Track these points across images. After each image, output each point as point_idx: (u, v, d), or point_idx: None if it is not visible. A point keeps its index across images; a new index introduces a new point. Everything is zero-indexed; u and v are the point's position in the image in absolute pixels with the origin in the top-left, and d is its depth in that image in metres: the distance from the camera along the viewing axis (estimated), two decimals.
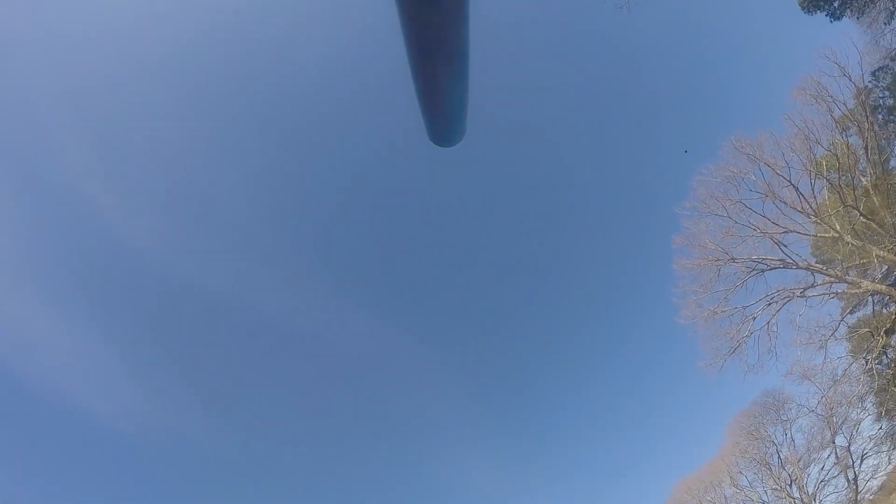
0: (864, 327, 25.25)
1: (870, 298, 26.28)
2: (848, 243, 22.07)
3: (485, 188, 60.50)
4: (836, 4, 26.63)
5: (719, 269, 22.48)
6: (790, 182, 21.04)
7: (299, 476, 60.08)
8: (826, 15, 26.64)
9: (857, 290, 22.82)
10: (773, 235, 21.79)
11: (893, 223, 22.46)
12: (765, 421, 28.02)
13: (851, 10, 25.85)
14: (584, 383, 61.32)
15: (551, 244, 60.23)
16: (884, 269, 24.06)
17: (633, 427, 59.05)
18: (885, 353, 25.76)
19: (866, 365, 24.89)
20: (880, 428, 26.49)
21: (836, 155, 21.92)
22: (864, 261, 22.69)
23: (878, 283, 23.17)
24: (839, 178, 22.32)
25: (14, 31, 38.46)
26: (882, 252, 21.90)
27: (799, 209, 21.72)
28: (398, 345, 66.32)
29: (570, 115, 56.50)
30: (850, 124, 22.34)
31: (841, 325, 24.91)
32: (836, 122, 21.71)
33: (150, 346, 54.51)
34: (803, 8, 23.01)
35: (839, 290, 23.06)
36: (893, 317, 24.43)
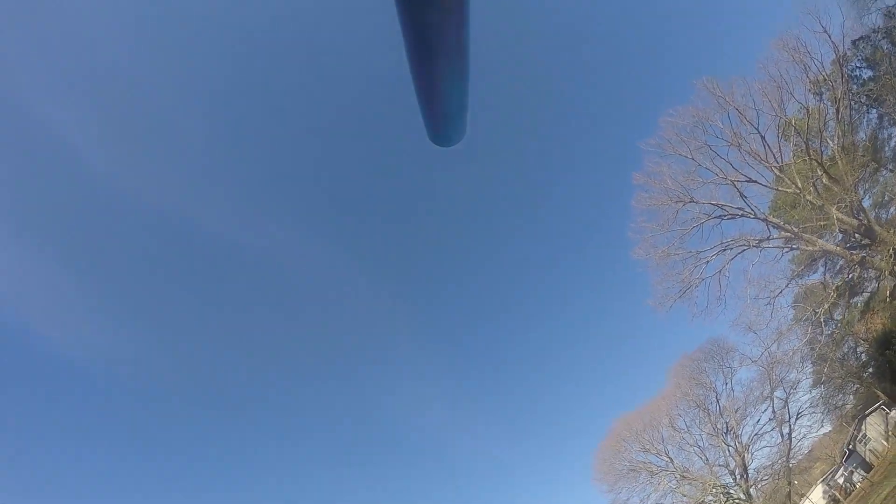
0: (811, 294, 26.36)
1: (820, 266, 27.38)
2: (808, 201, 23.12)
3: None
4: None
5: (677, 211, 23.48)
6: (758, 130, 22.03)
7: (250, 401, 62.67)
8: None
9: (811, 248, 23.88)
10: (735, 182, 22.85)
11: (854, 189, 23.45)
12: (707, 368, 29.22)
13: None
14: (533, 314, 63.48)
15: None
16: (838, 237, 25.16)
17: (579, 361, 60.93)
18: (828, 321, 26.88)
19: (808, 332, 26.06)
20: (817, 395, 27.68)
21: (807, 116, 22.90)
22: (822, 223, 23.72)
23: (833, 244, 24.28)
24: (806, 138, 23.32)
25: None
26: (841, 215, 22.97)
27: (763, 160, 22.71)
28: (360, 283, 68.28)
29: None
30: (823, 89, 23.26)
31: (790, 286, 26.10)
32: (810, 82, 22.66)
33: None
34: None
35: (794, 247, 24.14)
36: (837, 287, 25.55)
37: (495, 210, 64.15)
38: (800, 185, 23.06)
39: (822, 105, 23.21)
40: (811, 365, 26.96)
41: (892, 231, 23.39)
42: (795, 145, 23.33)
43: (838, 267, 25.82)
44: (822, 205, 23.17)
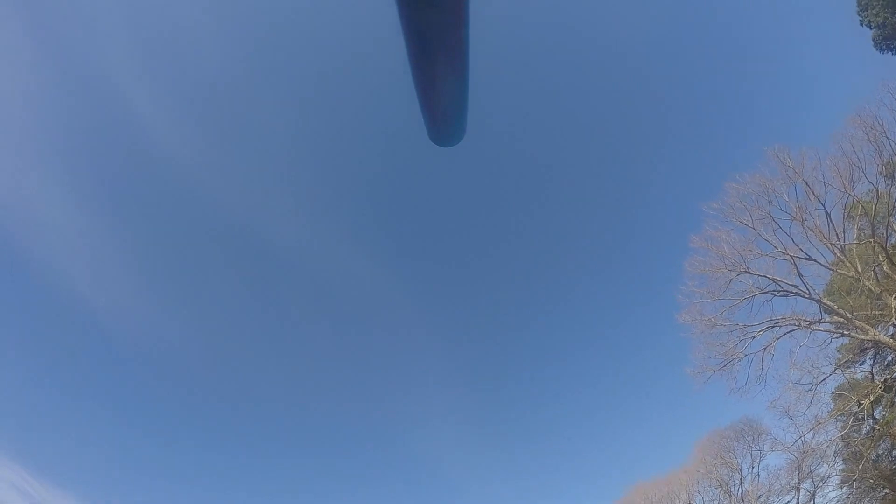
0: (855, 387, 24.84)
1: (868, 358, 25.89)
2: (867, 287, 21.81)
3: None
4: None
5: (730, 280, 22.22)
6: (823, 207, 20.88)
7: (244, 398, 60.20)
8: None
9: (863, 337, 22.45)
10: (794, 258, 21.57)
11: None
12: (736, 447, 27.44)
13: None
14: (569, 369, 60.97)
15: (550, 234, 60.41)
16: (892, 329, 23.74)
17: (604, 417, 57.97)
18: (867, 418, 25.32)
19: (846, 426, 24.45)
20: (846, 494, 25.84)
21: (876, 198, 21.79)
22: (878, 313, 22.39)
23: (888, 335, 22.84)
24: (873, 222, 22.16)
25: None
26: None
27: (825, 239, 21.49)
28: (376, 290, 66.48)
29: (579, 114, 56.72)
30: (894, 174, 22.24)
31: (835, 374, 24.56)
32: (883, 164, 21.60)
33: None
34: (876, 45, 23.06)
35: (845, 333, 22.71)
36: (884, 382, 24.03)
37: (534, 263, 62.51)
38: (859, 269, 21.78)
39: (892, 189, 22.14)
40: (843, 462, 25.21)
41: None
42: (860, 228, 22.16)
43: (887, 361, 24.34)
44: (881, 293, 21.89)
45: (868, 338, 22.56)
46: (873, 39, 23.45)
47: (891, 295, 21.57)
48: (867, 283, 21.74)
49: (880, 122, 21.09)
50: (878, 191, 21.76)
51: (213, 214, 57.33)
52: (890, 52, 23.51)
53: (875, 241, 21.67)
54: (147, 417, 57.05)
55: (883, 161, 21.62)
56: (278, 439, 62.78)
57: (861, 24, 23.49)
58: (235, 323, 62.24)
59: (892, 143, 21.43)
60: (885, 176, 21.99)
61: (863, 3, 23.31)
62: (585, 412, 60.45)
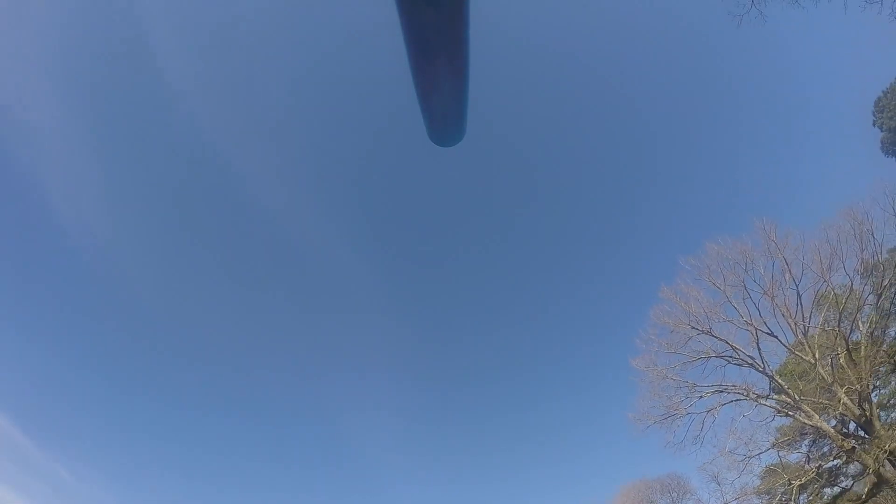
0: (786, 469, 25.18)
1: (805, 445, 26.26)
2: (820, 375, 22.17)
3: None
4: None
5: (690, 337, 22.54)
6: (797, 288, 21.24)
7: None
8: None
9: (806, 422, 22.80)
10: (757, 331, 21.91)
11: (867, 380, 22.53)
12: (659, 500, 27.68)
13: None
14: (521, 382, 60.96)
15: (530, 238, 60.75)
16: (834, 422, 24.10)
17: (548, 441, 57.78)
18: (790, 502, 25.65)
19: None
20: None
21: (850, 292, 22.14)
22: (826, 402, 22.73)
23: (830, 425, 23.20)
24: (840, 314, 22.50)
25: None
26: (846, 399, 21.97)
27: (791, 319, 21.86)
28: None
29: (572, 119, 57.21)
30: (873, 272, 22.60)
31: (769, 452, 24.91)
32: (862, 261, 21.97)
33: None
34: (884, 148, 23.44)
35: (789, 413, 23.07)
36: (815, 469, 24.39)
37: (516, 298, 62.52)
38: (817, 355, 22.15)
39: (865, 287, 22.52)
40: None
41: (891, 431, 22.41)
42: (826, 317, 22.51)
43: (823, 451, 24.71)
44: (832, 383, 22.26)
45: (811, 423, 22.90)
46: (882, 141, 23.84)
47: (841, 387, 21.90)
48: (821, 371, 22.10)
49: (869, 220, 21.49)
50: (852, 285, 22.16)
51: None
52: (895, 157, 23.90)
53: (839, 333, 22.03)
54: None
55: (863, 258, 22.01)
56: (204, 409, 62.08)
57: (874, 125, 23.93)
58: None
59: (876, 243, 21.84)
60: (862, 273, 22.37)
61: (880, 105, 23.71)
62: (532, 427, 60.76)
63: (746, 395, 22.90)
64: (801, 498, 25.76)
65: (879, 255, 22.00)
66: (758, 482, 24.26)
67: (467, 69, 0.90)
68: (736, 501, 24.50)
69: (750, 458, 23.85)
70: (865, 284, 22.48)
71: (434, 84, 0.93)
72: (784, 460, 24.95)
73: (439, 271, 63.88)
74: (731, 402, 22.94)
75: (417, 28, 0.79)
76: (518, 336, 63.28)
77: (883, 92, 24.09)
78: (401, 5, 0.74)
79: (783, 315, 22.08)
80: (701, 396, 22.97)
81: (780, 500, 24.51)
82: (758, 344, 22.18)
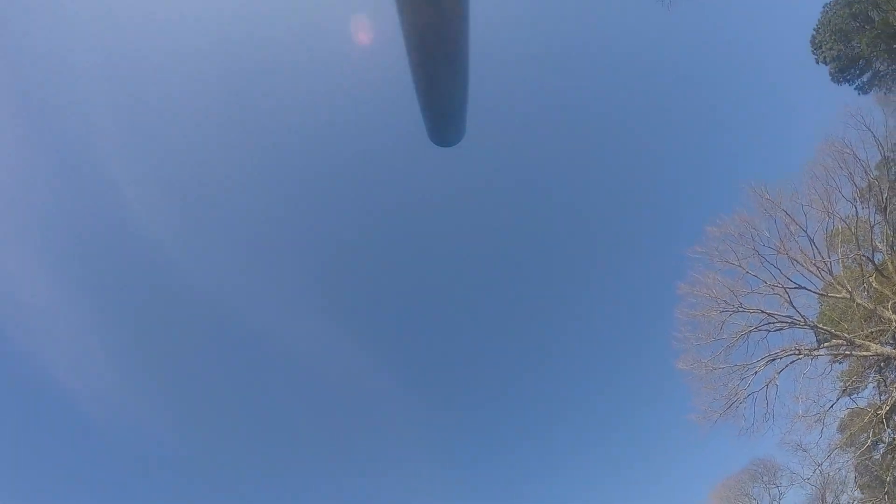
0: (858, 415, 24.39)
1: (871, 379, 25.53)
2: (860, 305, 21.55)
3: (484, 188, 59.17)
4: (864, 79, 27.18)
5: (723, 322, 21.81)
6: (806, 233, 20.69)
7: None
8: (854, 88, 27.15)
9: (866, 353, 22.11)
10: (785, 289, 21.25)
11: None
12: (753, 490, 26.61)
13: (879, 86, 26.26)
14: (560, 420, 57.35)
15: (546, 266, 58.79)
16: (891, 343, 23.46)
17: (609, 478, 54.48)
18: (877, 444, 24.82)
19: (860, 454, 23.93)
20: None
21: (856, 222, 21.67)
22: (876, 329, 22.13)
23: (888, 348, 22.52)
24: (857, 241, 22.02)
25: None
26: (894, 315, 21.38)
27: (812, 265, 21.27)
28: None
29: (573, 119, 56.21)
30: (869, 194, 22.24)
31: (840, 400, 24.10)
32: (856, 187, 21.58)
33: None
34: (833, 78, 23.35)
35: (847, 353, 22.35)
36: (883, 406, 23.64)
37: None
38: (850, 288, 21.55)
39: (869, 208, 22.11)
40: (862, 490, 24.60)
41: None
42: (843, 253, 22.00)
43: (890, 379, 23.94)
44: (875, 308, 21.65)
45: (871, 353, 22.24)
46: (830, 74, 23.83)
47: (885, 307, 21.33)
48: (859, 301, 21.50)
49: (849, 145, 21.13)
50: (857, 211, 21.69)
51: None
52: (847, 83, 23.88)
53: (861, 259, 21.54)
54: None
55: (856, 183, 21.63)
56: None
57: (817, 63, 23.96)
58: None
59: (863, 164, 21.46)
60: (861, 197, 21.97)
61: (816, 41, 23.75)
62: (589, 480, 56.65)
63: (798, 354, 22.18)
64: (884, 435, 24.96)
65: (870, 175, 21.64)
66: (840, 435, 23.35)
67: (467, 69, 0.89)
68: (827, 460, 23.55)
69: (824, 413, 23.05)
70: (868, 206, 22.07)
71: (434, 84, 0.92)
72: (856, 406, 24.16)
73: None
74: (786, 367, 22.19)
75: (417, 28, 0.78)
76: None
77: (814, 30, 24.21)
78: (401, 5, 0.74)
79: (803, 265, 21.51)
80: (756, 372, 22.19)
81: (868, 441, 23.66)
82: (790, 301, 21.55)
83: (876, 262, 22.38)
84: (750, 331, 21.68)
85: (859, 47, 25.03)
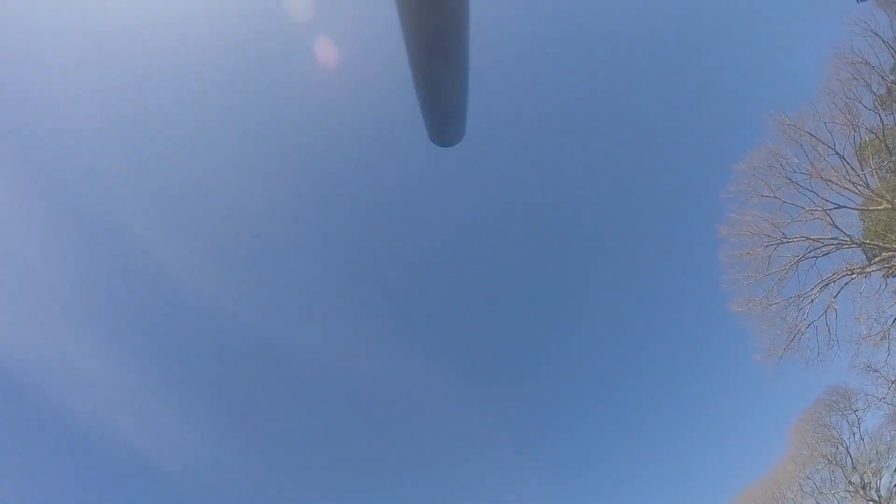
0: None
1: None
2: None
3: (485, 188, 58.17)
4: None
5: (770, 256, 21.44)
6: (836, 152, 20.26)
7: None
8: None
9: None
10: (826, 212, 20.85)
11: None
12: (831, 419, 26.12)
13: None
14: (622, 385, 56.25)
15: (564, 241, 57.57)
16: None
17: (682, 432, 53.04)
18: None
19: None
20: None
21: (882, 131, 21.24)
22: None
23: None
24: (889, 148, 21.57)
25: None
26: None
27: (848, 184, 20.85)
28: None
29: (577, 113, 55.13)
30: (889, 101, 21.78)
31: None
32: (877, 98, 21.14)
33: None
34: None
35: None
36: None
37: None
38: (890, 198, 21.09)
39: (893, 114, 21.64)
40: None
41: None
42: (876, 164, 21.56)
43: None
44: None
45: None
46: None
47: None
48: None
49: (860, 54, 20.68)
50: (881, 119, 21.23)
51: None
52: None
53: (894, 164, 21.10)
54: None
55: (874, 91, 21.17)
56: None
57: None
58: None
59: (878, 70, 21.00)
60: (883, 104, 21.51)
61: None
62: (662, 434, 55.42)
63: (851, 274, 21.77)
64: None
65: (887, 80, 21.17)
66: None
67: (467, 69, 0.89)
68: None
69: (888, 329, 22.61)
70: (891, 111, 21.61)
71: (434, 84, 0.91)
72: None
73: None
74: (841, 290, 21.79)
75: (417, 28, 0.77)
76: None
77: None
78: (401, 5, 0.74)
79: (838, 184, 21.07)
80: (812, 301, 21.79)
81: None
82: (833, 223, 21.13)
83: None
84: (798, 260, 21.29)
85: None
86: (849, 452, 25.74)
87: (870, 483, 25.12)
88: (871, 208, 21.65)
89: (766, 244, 20.99)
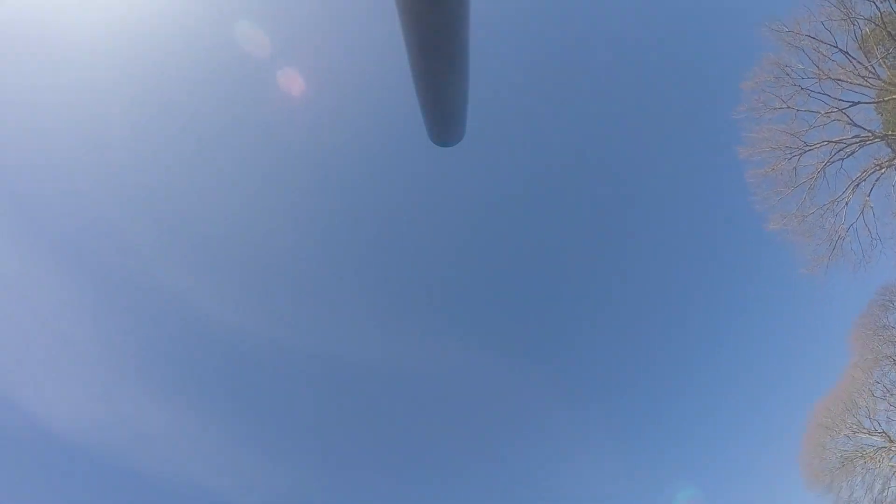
0: None
1: None
2: None
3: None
4: None
5: (795, 166, 21.11)
6: (838, 48, 19.94)
7: None
8: None
9: None
10: (840, 111, 20.52)
11: None
12: (889, 319, 25.66)
13: None
14: (675, 329, 54.81)
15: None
16: None
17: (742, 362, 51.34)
18: None
19: None
20: None
21: (881, 24, 20.87)
22: None
23: None
24: (893, 43, 21.19)
25: None
26: None
27: (858, 80, 20.50)
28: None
29: (577, 112, 54.67)
30: None
31: None
32: None
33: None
34: None
35: None
36: None
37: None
38: None
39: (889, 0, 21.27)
40: None
41: None
42: (881, 54, 21.18)
43: None
44: None
45: None
46: None
47: None
48: None
49: None
50: (877, 7, 20.86)
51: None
52: None
53: None
54: None
55: None
56: None
57: None
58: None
59: None
60: None
61: None
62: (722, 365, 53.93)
63: (880, 168, 21.39)
64: None
65: None
66: None
67: (467, 69, 0.89)
68: None
69: None
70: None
71: (434, 84, 0.91)
72: None
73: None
74: (873, 187, 21.43)
75: (417, 28, 0.76)
76: None
77: None
78: (401, 5, 0.73)
79: (848, 81, 20.74)
80: (846, 203, 21.44)
81: None
82: (851, 121, 20.79)
83: None
84: (824, 165, 20.94)
85: None
86: None
87: None
88: (886, 99, 21.27)
89: (788, 156, 20.68)
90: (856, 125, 20.87)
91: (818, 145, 20.74)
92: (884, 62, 21.31)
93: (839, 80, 20.67)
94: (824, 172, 21.11)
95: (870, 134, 20.99)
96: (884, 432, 25.85)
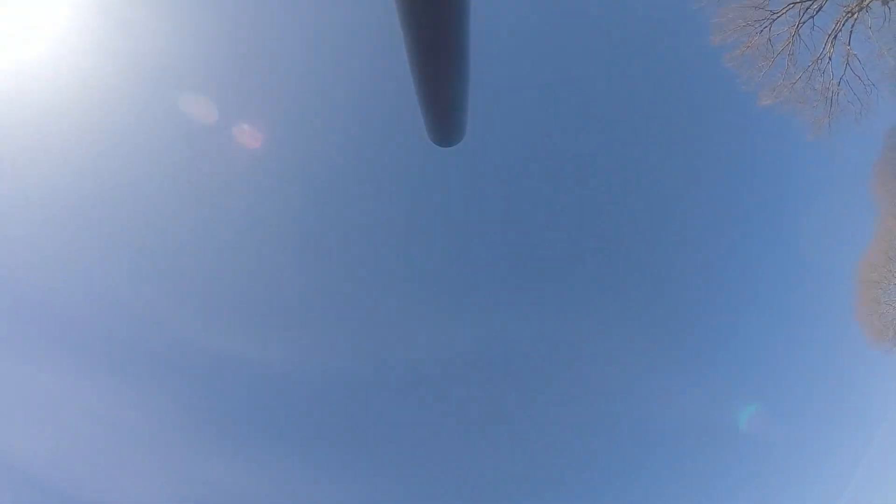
0: None
1: None
2: None
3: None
4: None
5: (768, 37, 21.04)
6: None
7: None
8: None
9: None
10: None
11: None
12: None
13: None
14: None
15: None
16: None
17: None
18: None
19: None
20: None
21: None
22: None
23: None
24: None
25: None
26: None
27: None
28: None
29: (578, 112, 54.18)
30: None
31: None
32: None
33: None
34: None
35: None
36: None
37: None
38: None
39: None
40: None
41: None
42: None
43: None
44: None
45: None
46: None
47: None
48: None
49: None
50: None
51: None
52: None
53: None
54: None
55: None
56: None
57: None
58: None
59: None
60: None
61: None
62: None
63: (851, 14, 21.21)
64: None
65: None
66: None
67: (467, 69, 0.88)
68: None
69: None
70: None
71: (434, 84, 0.90)
72: None
73: None
74: (850, 35, 21.26)
75: (417, 28, 0.75)
76: None
77: None
78: (401, 5, 0.71)
79: None
80: (829, 58, 21.34)
81: None
82: None
83: None
84: (796, 28, 20.83)
85: None
86: None
87: None
88: None
89: (759, 30, 20.59)
90: None
91: (785, 10, 20.66)
92: None
93: None
94: (799, 35, 21.02)
95: None
96: None
